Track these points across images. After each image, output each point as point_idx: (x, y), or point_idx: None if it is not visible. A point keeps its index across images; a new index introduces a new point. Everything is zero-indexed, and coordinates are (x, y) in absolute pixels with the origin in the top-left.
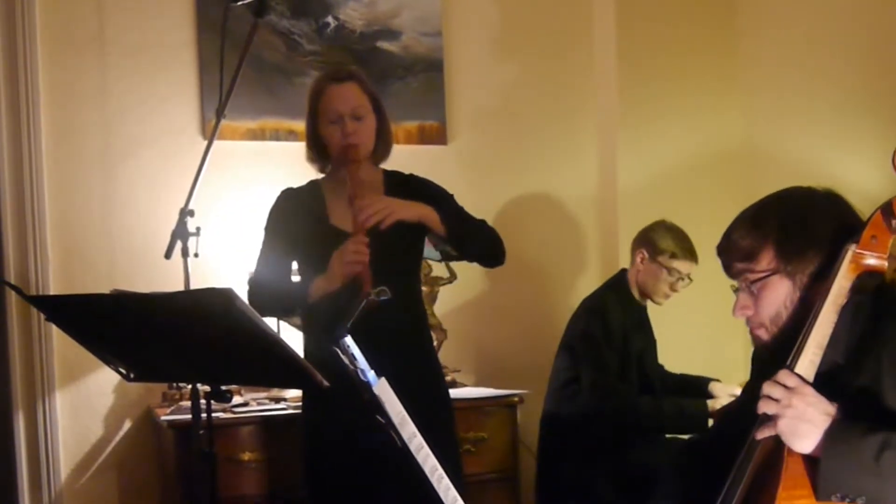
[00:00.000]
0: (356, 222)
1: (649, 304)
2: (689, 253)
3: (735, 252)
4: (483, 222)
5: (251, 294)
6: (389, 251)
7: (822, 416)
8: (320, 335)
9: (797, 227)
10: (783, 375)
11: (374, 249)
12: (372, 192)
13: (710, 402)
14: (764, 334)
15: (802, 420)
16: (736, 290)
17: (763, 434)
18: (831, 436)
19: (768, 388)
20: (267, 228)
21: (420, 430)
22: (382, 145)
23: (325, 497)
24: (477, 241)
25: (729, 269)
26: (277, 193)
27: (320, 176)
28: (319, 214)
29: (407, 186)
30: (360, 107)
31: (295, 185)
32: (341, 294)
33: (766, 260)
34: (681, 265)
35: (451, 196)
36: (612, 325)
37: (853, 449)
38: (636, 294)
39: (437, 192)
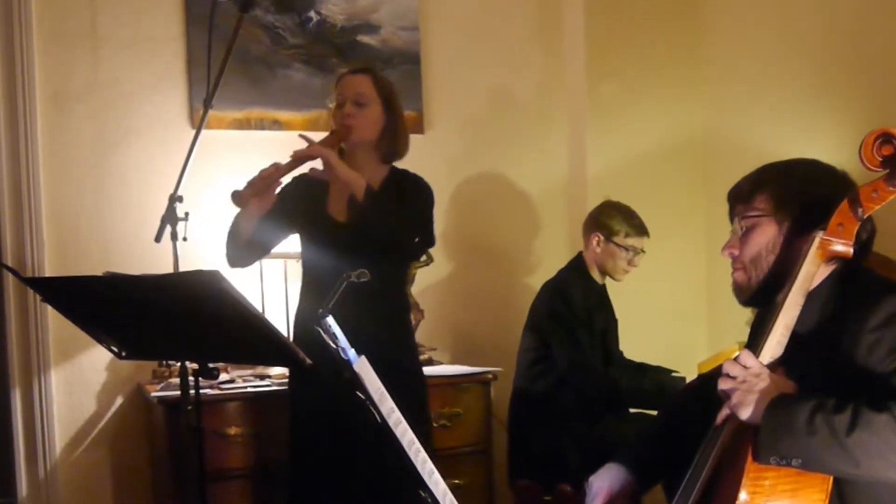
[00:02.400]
0: (295, 154)
1: (611, 286)
2: (641, 229)
3: (738, 193)
4: (406, 219)
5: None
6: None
7: (773, 390)
8: (308, 306)
9: (795, 180)
10: (743, 356)
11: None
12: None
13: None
14: (742, 276)
15: (751, 392)
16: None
17: (722, 415)
18: (771, 404)
19: (727, 367)
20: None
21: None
22: (388, 141)
23: (306, 466)
24: (382, 222)
25: (731, 213)
26: None
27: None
28: (319, 202)
29: (398, 181)
30: (363, 94)
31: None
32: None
33: (760, 202)
34: (635, 241)
35: (418, 200)
36: (575, 304)
37: (788, 414)
38: (595, 274)
39: (412, 191)
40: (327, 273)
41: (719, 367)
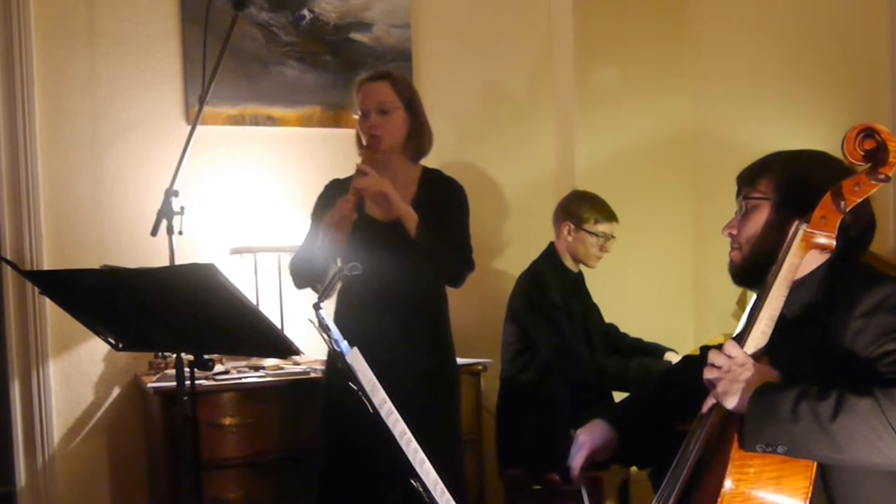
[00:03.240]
0: (355, 186)
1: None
2: (609, 214)
3: (744, 176)
4: (455, 251)
5: (290, 273)
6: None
7: (757, 380)
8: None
9: (799, 169)
10: (728, 346)
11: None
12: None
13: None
14: (737, 255)
15: (736, 382)
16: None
17: (707, 405)
18: (756, 393)
19: (713, 357)
20: (312, 215)
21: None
22: (414, 142)
23: (333, 452)
24: (435, 264)
25: (738, 194)
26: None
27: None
28: (357, 203)
29: (434, 184)
30: (386, 102)
31: (341, 176)
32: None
33: (763, 186)
34: (604, 227)
35: (461, 213)
36: (551, 292)
37: (773, 402)
38: (569, 263)
39: (451, 203)
40: (366, 272)
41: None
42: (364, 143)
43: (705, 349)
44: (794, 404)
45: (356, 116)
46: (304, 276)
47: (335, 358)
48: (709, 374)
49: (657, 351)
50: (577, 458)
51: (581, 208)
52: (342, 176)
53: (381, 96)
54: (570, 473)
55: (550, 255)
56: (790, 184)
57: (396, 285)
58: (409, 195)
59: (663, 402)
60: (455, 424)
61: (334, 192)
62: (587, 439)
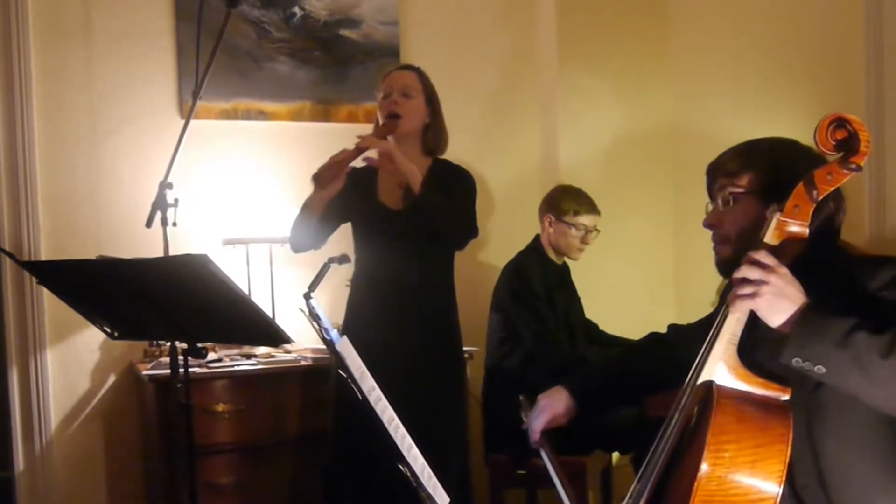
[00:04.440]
0: (361, 142)
1: (583, 268)
2: (591, 207)
3: (722, 169)
4: (458, 213)
5: (290, 240)
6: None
7: (798, 293)
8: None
9: (781, 160)
10: (761, 255)
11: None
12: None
13: None
14: (726, 250)
15: (781, 296)
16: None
17: (739, 307)
18: (807, 308)
19: (745, 270)
20: None
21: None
22: (432, 135)
23: (344, 441)
24: (437, 215)
25: (712, 186)
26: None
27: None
28: (369, 192)
29: (443, 171)
30: (411, 87)
31: (358, 166)
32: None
33: (747, 180)
34: (585, 219)
35: (468, 193)
36: (533, 282)
37: (826, 321)
38: (552, 255)
39: (458, 185)
40: (380, 261)
41: (684, 327)
42: (380, 122)
43: (672, 327)
44: (849, 331)
45: (379, 97)
46: (298, 232)
47: (326, 346)
48: (743, 289)
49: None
50: (538, 422)
51: (562, 200)
52: None
53: (407, 80)
54: (531, 436)
55: (534, 248)
56: (774, 177)
57: (408, 275)
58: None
59: (625, 374)
60: (464, 410)
61: (354, 178)
62: (547, 404)
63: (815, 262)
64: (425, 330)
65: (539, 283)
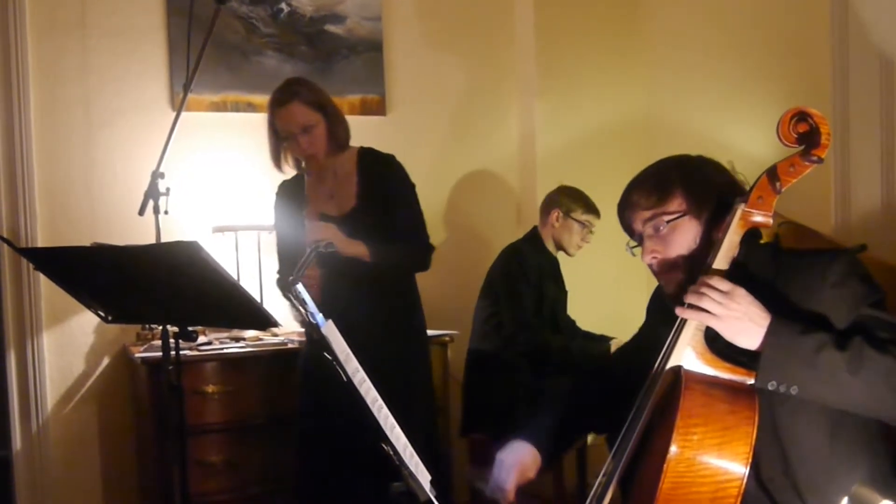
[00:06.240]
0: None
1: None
2: (594, 209)
3: (639, 205)
4: (410, 248)
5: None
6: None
7: (761, 312)
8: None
9: (698, 175)
10: (716, 281)
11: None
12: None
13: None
14: (678, 276)
15: (745, 320)
16: (633, 248)
17: (690, 316)
18: (773, 331)
19: (704, 301)
20: (275, 215)
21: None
22: (337, 138)
23: (309, 419)
24: (399, 266)
25: (631, 226)
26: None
27: None
28: (300, 205)
29: (373, 169)
30: (305, 120)
31: (286, 177)
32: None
33: (676, 204)
34: (590, 218)
35: (409, 198)
36: (528, 266)
37: (793, 343)
38: (550, 247)
39: (398, 191)
40: (331, 260)
41: (624, 351)
42: (303, 164)
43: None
44: (815, 350)
45: (274, 137)
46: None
47: (310, 330)
48: (698, 301)
49: (603, 339)
50: (509, 481)
51: (571, 199)
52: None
53: (299, 118)
54: (501, 497)
55: (534, 238)
56: (701, 192)
57: (360, 267)
58: (351, 186)
59: (576, 416)
60: (425, 391)
61: (286, 194)
62: (514, 460)
63: (760, 265)
64: (383, 315)
65: (534, 270)
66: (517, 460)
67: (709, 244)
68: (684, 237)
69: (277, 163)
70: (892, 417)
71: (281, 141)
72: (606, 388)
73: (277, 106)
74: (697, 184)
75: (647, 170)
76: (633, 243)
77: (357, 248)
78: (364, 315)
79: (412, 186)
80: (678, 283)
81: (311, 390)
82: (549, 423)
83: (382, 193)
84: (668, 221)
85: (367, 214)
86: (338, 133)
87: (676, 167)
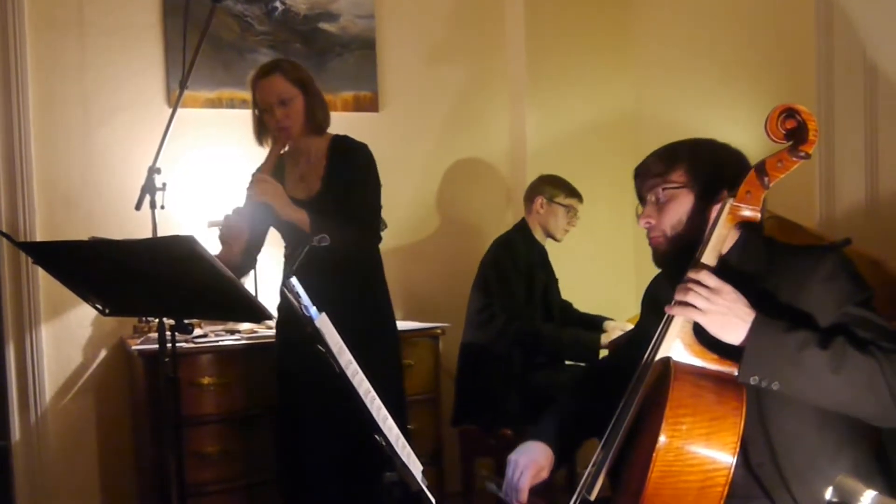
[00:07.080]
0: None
1: (552, 249)
2: (576, 192)
3: (649, 172)
4: (354, 227)
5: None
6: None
7: (746, 309)
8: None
9: (706, 154)
10: (703, 275)
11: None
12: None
13: (602, 337)
14: (662, 242)
15: (730, 316)
16: (641, 213)
17: (677, 312)
18: (757, 327)
19: (690, 296)
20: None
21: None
22: (314, 118)
23: (289, 409)
24: (334, 245)
25: (641, 189)
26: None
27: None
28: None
29: (342, 155)
30: (283, 92)
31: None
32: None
33: (678, 175)
34: (573, 202)
35: (366, 183)
36: (519, 257)
37: (776, 340)
38: (538, 235)
39: (356, 176)
40: (300, 244)
41: (619, 353)
42: (273, 137)
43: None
44: (798, 348)
45: (254, 110)
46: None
47: (304, 322)
48: (686, 297)
49: (598, 320)
50: (524, 480)
51: (552, 185)
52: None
53: (277, 89)
54: (517, 499)
55: (522, 228)
56: (703, 170)
57: (324, 253)
58: (320, 170)
59: (582, 414)
60: (393, 381)
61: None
62: (528, 460)
63: (754, 258)
64: (348, 302)
65: (524, 259)
66: (531, 460)
67: (701, 222)
68: (678, 209)
69: (259, 138)
70: (872, 416)
71: (261, 114)
72: (608, 386)
73: (259, 77)
74: (702, 162)
75: (669, 144)
76: (640, 209)
77: (298, 215)
78: (329, 301)
79: (375, 175)
80: (662, 249)
81: (284, 385)
82: (559, 421)
83: (345, 178)
84: (664, 189)
85: (330, 199)
86: (316, 114)
87: (690, 144)
